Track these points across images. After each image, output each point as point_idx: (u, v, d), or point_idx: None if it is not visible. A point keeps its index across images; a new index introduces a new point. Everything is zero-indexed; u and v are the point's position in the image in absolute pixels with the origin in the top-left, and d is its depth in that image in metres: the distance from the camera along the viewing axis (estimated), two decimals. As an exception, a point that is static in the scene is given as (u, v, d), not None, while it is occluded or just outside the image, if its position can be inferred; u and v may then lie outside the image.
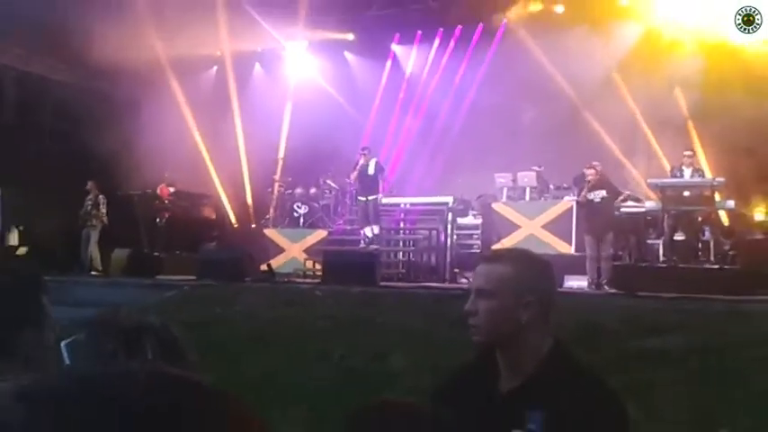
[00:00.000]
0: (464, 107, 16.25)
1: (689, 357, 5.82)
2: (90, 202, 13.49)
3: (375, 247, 12.63)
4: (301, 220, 15.17)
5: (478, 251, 12.96)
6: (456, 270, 12.39)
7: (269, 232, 14.75)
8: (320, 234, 14.19)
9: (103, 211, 13.45)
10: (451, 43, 16.64)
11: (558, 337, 1.94)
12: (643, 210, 11.84)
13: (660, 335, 6.36)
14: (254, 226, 16.26)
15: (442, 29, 16.68)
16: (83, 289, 8.89)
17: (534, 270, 1.94)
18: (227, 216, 17.05)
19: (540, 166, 13.43)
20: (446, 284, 11.81)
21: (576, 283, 10.50)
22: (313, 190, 15.64)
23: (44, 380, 0.69)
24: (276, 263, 13.33)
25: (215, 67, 18.09)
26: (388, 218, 14.49)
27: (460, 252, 13.05)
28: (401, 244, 13.81)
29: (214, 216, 16.38)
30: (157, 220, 14.55)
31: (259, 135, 16.39)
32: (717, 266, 10.82)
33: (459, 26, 16.28)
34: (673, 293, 8.59)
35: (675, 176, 11.19)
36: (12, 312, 1.67)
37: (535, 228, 12.57)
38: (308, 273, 13.03)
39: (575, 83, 14.39)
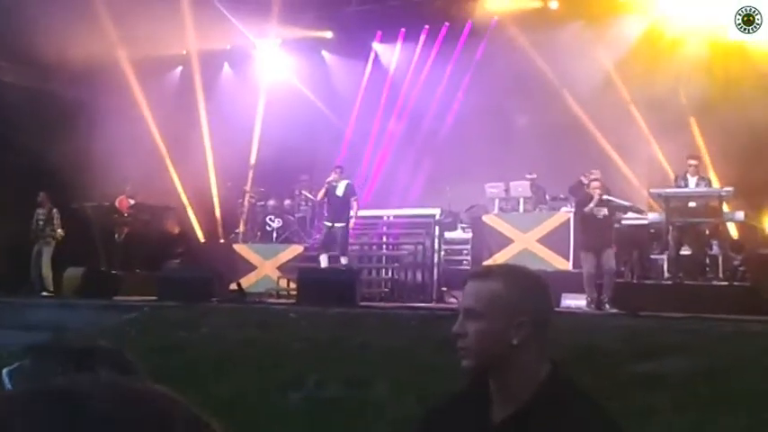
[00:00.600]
0: (452, 110, 16.32)
1: (694, 381, 5.86)
2: (42, 217, 13.39)
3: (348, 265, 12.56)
4: (275, 234, 15.14)
5: (468, 268, 13.00)
6: (444, 288, 12.41)
7: (239, 248, 14.70)
8: (295, 250, 14.16)
9: (57, 225, 13.36)
10: (438, 41, 16.71)
11: (555, 361, 1.93)
12: (645, 222, 11.93)
13: (664, 357, 6.41)
14: (222, 241, 16.21)
15: (427, 26, 16.76)
16: (33, 311, 8.81)
17: (527, 287, 1.93)
18: (193, 230, 16.96)
19: (533, 174, 13.51)
20: (433, 304, 11.84)
21: (574, 301, 10.54)
22: (287, 202, 15.62)
23: None
24: (247, 281, 13.28)
25: (180, 68, 18.03)
26: (369, 231, 14.51)
27: (448, 269, 13.06)
28: (384, 260, 13.81)
29: (178, 230, 16.28)
30: (116, 235, 14.46)
31: (228, 141, 16.34)
32: (725, 283, 10.93)
33: (446, 23, 16.36)
34: (678, 313, 8.66)
35: (680, 186, 11.29)
36: None
37: (530, 242, 12.64)
38: (281, 292, 13.01)
39: (570, 84, 14.52)
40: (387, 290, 13.01)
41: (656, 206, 12.11)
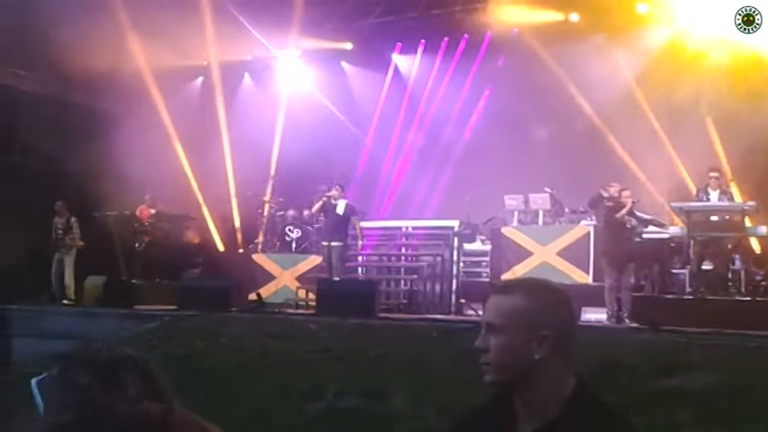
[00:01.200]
0: (471, 122, 16.33)
1: (716, 397, 5.80)
2: (60, 226, 13.49)
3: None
4: (294, 244, 15.16)
5: (487, 280, 12.95)
6: (462, 300, 12.39)
7: (258, 258, 14.74)
8: (314, 260, 14.16)
9: (77, 234, 13.46)
10: (457, 53, 16.73)
11: (581, 375, 1.91)
12: (667, 236, 11.84)
13: (685, 373, 6.34)
14: (241, 251, 16.26)
15: (447, 38, 16.79)
16: (54, 320, 8.88)
17: (549, 301, 1.91)
18: (213, 240, 17.04)
19: (552, 189, 13.46)
20: (451, 316, 11.82)
21: (595, 315, 10.48)
22: (307, 212, 15.64)
23: None
24: (266, 291, 13.32)
25: (200, 78, 18.17)
26: (388, 242, 14.51)
27: (467, 281, 13.05)
28: (402, 271, 13.79)
29: (198, 240, 16.36)
30: (136, 244, 14.53)
31: (248, 151, 16.42)
32: (748, 298, 10.80)
33: (466, 35, 16.37)
34: (700, 328, 8.57)
35: (701, 199, 11.20)
36: None
37: (549, 255, 12.58)
38: (300, 303, 13.02)
39: (590, 96, 14.46)
40: (405, 301, 12.99)
41: (677, 219, 12.02)
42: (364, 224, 14.85)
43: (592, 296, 10.71)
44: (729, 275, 11.53)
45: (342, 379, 6.77)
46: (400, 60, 17.80)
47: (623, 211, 10.49)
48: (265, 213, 15.76)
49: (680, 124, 13.65)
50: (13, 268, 13.68)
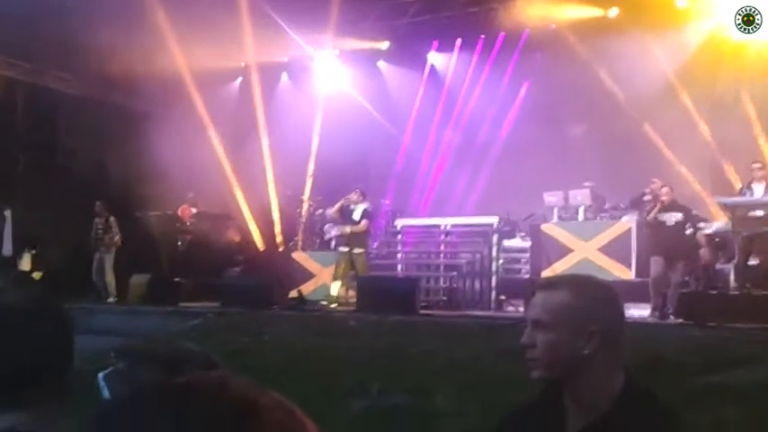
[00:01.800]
0: (509, 119, 16.27)
1: (763, 393, 5.73)
2: (100, 226, 13.73)
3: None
4: (332, 243, 15.24)
5: (527, 276, 12.91)
6: (502, 297, 12.34)
7: (298, 256, 14.85)
8: (353, 258, 14.22)
9: (116, 232, 13.70)
10: (494, 51, 16.68)
11: (630, 371, 1.91)
12: (711, 231, 11.69)
13: (731, 369, 6.28)
14: (281, 249, 16.40)
15: (483, 36, 16.73)
16: (100, 317, 9.06)
17: (596, 297, 1.91)
18: (253, 239, 17.22)
19: (591, 182, 13.35)
20: (491, 313, 11.79)
21: (638, 311, 10.38)
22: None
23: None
24: (305, 289, 13.40)
25: (239, 79, 18.36)
26: (427, 240, 14.53)
27: (507, 277, 12.99)
28: (442, 269, 13.80)
29: (238, 239, 16.54)
30: (178, 243, 14.75)
31: (287, 151, 16.56)
32: (794, 294, 10.61)
33: (503, 33, 16.30)
34: (746, 323, 8.47)
35: (745, 194, 11.05)
36: (47, 341, 1.73)
37: (590, 251, 12.48)
38: (340, 300, 13.10)
39: (630, 92, 14.33)
40: (445, 298, 12.97)
41: (721, 214, 11.86)
42: (403, 221, 14.91)
43: (634, 292, 10.58)
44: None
45: (385, 376, 6.80)
46: (437, 59, 17.80)
47: (654, 212, 10.41)
48: (304, 212, 15.87)
49: (721, 118, 13.45)
50: (60, 267, 14.01)
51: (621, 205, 13.26)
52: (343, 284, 12.47)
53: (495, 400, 5.20)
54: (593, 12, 15.25)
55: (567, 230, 12.89)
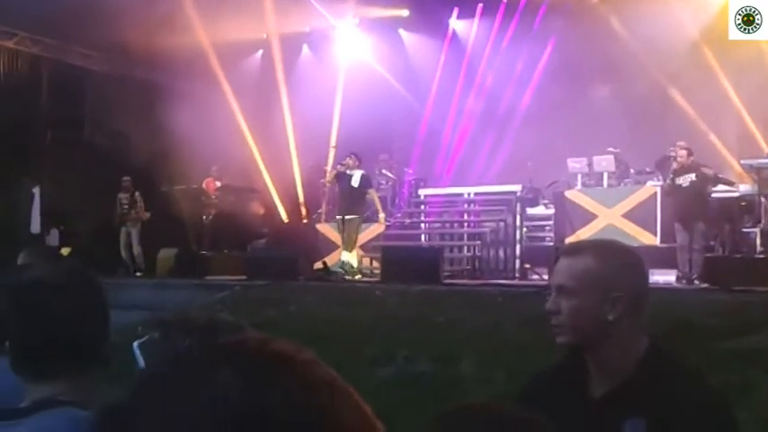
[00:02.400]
0: (531, 86, 16.12)
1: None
2: (126, 201, 13.88)
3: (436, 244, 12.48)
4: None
5: (551, 244, 12.88)
6: (527, 265, 12.33)
7: (322, 227, 14.92)
8: (377, 229, 14.24)
9: (141, 207, 13.84)
10: (516, 16, 16.49)
11: (654, 335, 1.92)
12: (737, 194, 11.58)
13: (758, 332, 6.26)
14: (305, 221, 16.48)
15: (505, 1, 16.56)
16: (130, 291, 9.18)
17: (620, 262, 1.91)
18: (277, 211, 17.31)
19: (616, 149, 13.24)
20: (516, 281, 11.79)
21: (663, 277, 10.34)
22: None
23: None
24: (330, 260, 13.48)
25: (260, 51, 18.34)
26: (450, 209, 14.52)
27: (531, 245, 12.97)
28: (465, 238, 13.80)
29: (263, 211, 16.63)
30: (203, 217, 14.86)
31: (309, 122, 16.56)
32: (822, 257, 10.50)
33: (525, -3, 16.12)
34: (772, 287, 8.41)
35: (773, 156, 10.92)
36: (79, 313, 1.77)
37: (615, 217, 12.42)
38: (365, 270, 13.16)
39: (654, 55, 14.07)
40: (469, 267, 12.99)
41: (747, 178, 11.73)
42: (426, 191, 14.90)
43: (660, 258, 10.54)
44: (802, 233, 11.22)
45: (411, 345, 6.87)
46: (458, 25, 17.64)
47: (670, 177, 10.33)
48: (327, 183, 15.89)
49: (747, 79, 13.25)
50: (88, 242, 14.22)
51: (647, 169, 13.15)
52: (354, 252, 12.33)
53: (519, 366, 5.23)
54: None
55: (590, 197, 12.82)
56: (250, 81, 17.77)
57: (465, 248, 13.57)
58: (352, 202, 12.22)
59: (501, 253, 12.93)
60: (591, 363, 1.91)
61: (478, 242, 13.02)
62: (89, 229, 14.87)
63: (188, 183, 14.99)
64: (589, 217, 12.61)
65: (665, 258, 10.47)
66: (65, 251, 13.39)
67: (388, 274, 10.93)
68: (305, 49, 18.60)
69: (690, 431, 1.74)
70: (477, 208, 14.24)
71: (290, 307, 8.69)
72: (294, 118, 17.42)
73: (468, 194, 14.24)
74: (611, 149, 13.18)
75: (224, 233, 14.81)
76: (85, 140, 16.18)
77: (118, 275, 12.65)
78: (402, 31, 17.87)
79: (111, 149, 14.66)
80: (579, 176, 13.42)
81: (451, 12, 17.44)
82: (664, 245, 11.25)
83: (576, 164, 13.40)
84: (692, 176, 10.24)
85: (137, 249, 13.79)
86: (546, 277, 10.40)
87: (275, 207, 17.28)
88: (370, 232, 14.27)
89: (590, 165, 13.29)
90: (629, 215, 12.31)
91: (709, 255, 10.49)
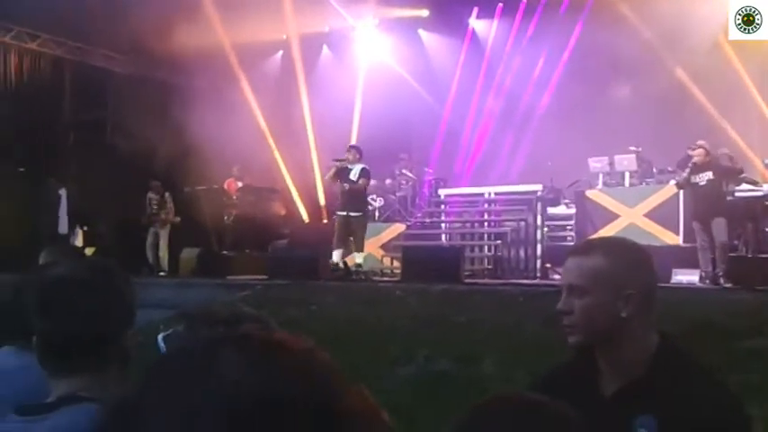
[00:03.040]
0: (551, 84, 16.11)
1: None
2: (156, 202, 14.06)
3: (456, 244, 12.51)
4: (377, 213, 15.35)
5: (572, 244, 12.87)
6: (548, 265, 12.32)
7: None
8: (397, 228, 14.33)
9: (171, 209, 14.03)
10: (536, 15, 16.48)
11: (665, 333, 1.92)
12: (761, 194, 11.51)
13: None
14: (326, 221, 16.56)
15: (525, 0, 16.56)
16: (154, 290, 9.29)
17: (631, 259, 1.91)
18: (298, 211, 17.41)
19: (638, 147, 13.20)
20: (537, 281, 11.80)
21: (686, 277, 10.28)
22: (388, 181, 15.79)
23: None
24: (351, 260, 13.55)
25: (280, 52, 18.45)
26: (470, 209, 14.55)
27: (552, 245, 12.96)
28: (486, 237, 13.82)
29: (284, 212, 16.72)
30: (225, 217, 14.99)
31: (329, 122, 16.62)
32: None
33: (545, -5, 16.12)
34: (796, 287, 8.38)
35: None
36: (101, 310, 1.80)
37: (636, 216, 12.38)
38: (385, 270, 13.21)
39: (676, 52, 14.04)
40: (490, 267, 13.01)
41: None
42: (446, 191, 14.94)
43: (683, 257, 10.52)
44: (827, 233, 11.15)
45: (431, 344, 6.91)
46: (477, 25, 17.67)
47: (685, 174, 10.29)
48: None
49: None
50: (111, 243, 14.39)
51: (669, 168, 13.09)
52: (345, 252, 12.14)
53: (540, 366, 5.23)
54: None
55: (612, 196, 12.79)
56: (270, 82, 17.89)
57: (486, 248, 13.57)
58: (353, 198, 12.04)
59: (522, 253, 12.92)
60: (602, 361, 1.91)
61: (499, 242, 13.02)
62: (112, 230, 15.06)
63: (209, 183, 15.11)
64: (611, 216, 12.58)
65: (688, 258, 10.41)
66: (89, 251, 13.58)
67: (409, 273, 10.99)
68: (325, 49, 18.69)
69: (701, 429, 1.74)
70: (497, 207, 14.24)
71: (312, 306, 8.75)
72: (314, 118, 17.51)
73: (489, 194, 14.25)
74: (632, 148, 13.13)
75: (245, 233, 14.92)
76: (108, 142, 16.35)
77: (142, 275, 12.80)
78: (422, 32, 17.92)
79: (134, 151, 14.81)
80: (600, 176, 13.38)
81: (471, 12, 17.47)
82: (687, 244, 11.19)
83: (597, 163, 13.36)
84: (710, 174, 10.17)
85: (163, 250, 13.94)
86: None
87: (296, 207, 17.39)
88: (390, 232, 14.35)
89: (611, 164, 13.24)
90: (651, 215, 12.26)
91: (732, 254, 10.42)
